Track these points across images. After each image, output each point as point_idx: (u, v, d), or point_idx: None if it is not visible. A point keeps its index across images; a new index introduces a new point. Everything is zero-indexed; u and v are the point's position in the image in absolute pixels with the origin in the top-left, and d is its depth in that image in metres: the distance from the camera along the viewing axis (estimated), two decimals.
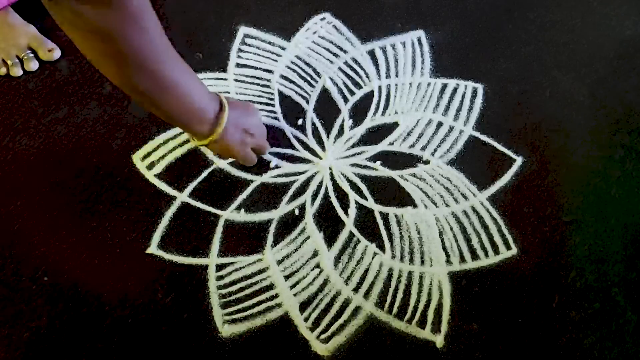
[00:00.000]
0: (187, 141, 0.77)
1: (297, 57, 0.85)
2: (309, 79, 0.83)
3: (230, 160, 0.75)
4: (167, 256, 0.68)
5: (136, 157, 0.76)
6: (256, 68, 0.84)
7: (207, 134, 0.64)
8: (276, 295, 0.66)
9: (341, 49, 0.85)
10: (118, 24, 0.48)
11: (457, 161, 0.75)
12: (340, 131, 0.78)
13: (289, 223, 0.71)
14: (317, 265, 0.68)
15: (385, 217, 0.71)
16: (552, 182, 0.73)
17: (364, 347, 0.63)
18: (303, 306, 0.65)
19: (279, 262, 0.68)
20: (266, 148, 0.73)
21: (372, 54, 0.85)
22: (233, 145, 0.67)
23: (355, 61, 0.84)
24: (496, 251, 0.68)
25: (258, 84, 0.82)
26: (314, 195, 0.73)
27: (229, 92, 0.81)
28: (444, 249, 0.69)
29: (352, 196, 0.73)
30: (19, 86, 0.82)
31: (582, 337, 0.63)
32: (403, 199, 0.72)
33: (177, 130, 0.77)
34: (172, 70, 0.56)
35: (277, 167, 0.75)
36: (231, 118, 0.65)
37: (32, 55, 0.83)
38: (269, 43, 0.86)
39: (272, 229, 0.71)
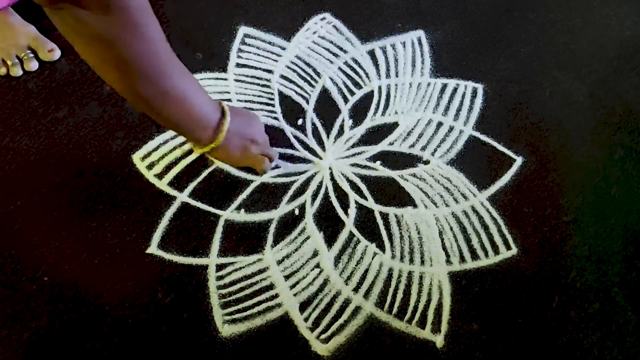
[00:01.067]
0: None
1: (297, 57, 0.84)
2: (309, 79, 0.83)
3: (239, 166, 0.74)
4: (167, 256, 0.68)
5: (136, 157, 0.75)
6: (256, 68, 0.84)
7: (208, 142, 0.65)
8: (276, 295, 0.66)
9: (341, 49, 0.85)
10: (118, 30, 0.48)
11: (457, 161, 0.75)
12: (340, 131, 0.78)
13: (289, 223, 0.71)
14: (317, 265, 0.68)
15: (385, 217, 0.71)
16: (552, 182, 0.73)
17: (364, 347, 0.63)
18: (303, 306, 0.65)
19: (279, 262, 0.68)
20: (272, 155, 0.74)
21: (372, 54, 0.85)
22: (234, 153, 0.68)
23: (355, 61, 0.84)
24: (496, 251, 0.68)
25: (258, 84, 0.82)
26: (314, 195, 0.73)
27: (228, 92, 0.81)
28: (444, 249, 0.69)
29: (352, 196, 0.73)
30: (19, 86, 0.82)
31: (582, 337, 0.63)
32: (403, 199, 0.72)
33: None
34: (174, 77, 0.56)
35: (277, 167, 0.75)
36: (232, 125, 0.65)
37: (32, 55, 0.83)
38: (269, 43, 0.86)
39: (272, 229, 0.71)
